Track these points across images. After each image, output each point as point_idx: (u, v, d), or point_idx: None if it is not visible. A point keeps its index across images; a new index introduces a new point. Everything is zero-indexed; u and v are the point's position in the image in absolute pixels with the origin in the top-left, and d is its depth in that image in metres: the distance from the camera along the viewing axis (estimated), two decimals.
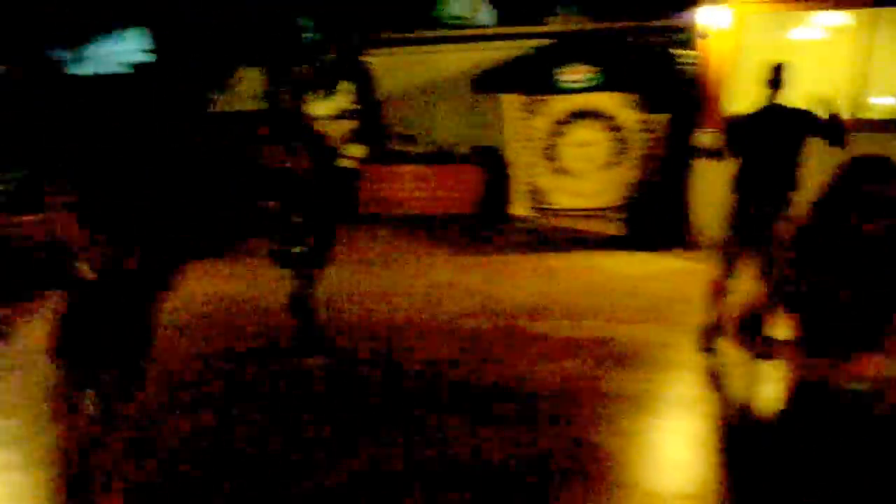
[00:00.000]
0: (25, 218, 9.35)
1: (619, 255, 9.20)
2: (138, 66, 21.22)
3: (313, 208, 5.49)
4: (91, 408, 2.85)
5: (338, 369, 5.57)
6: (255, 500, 3.69)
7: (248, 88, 19.61)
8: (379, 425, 4.55)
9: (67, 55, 20.27)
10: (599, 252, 9.48)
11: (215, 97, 17.61)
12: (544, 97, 11.38)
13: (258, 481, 3.85)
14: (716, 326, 5.56)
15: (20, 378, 5.66)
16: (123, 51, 26.06)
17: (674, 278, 8.03)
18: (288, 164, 5.50)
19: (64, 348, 2.84)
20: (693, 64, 9.51)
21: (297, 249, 5.50)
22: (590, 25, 13.17)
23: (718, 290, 5.64)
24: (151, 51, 17.05)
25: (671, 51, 10.23)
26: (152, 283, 2.95)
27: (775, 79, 5.58)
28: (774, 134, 5.51)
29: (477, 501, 3.65)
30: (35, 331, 7.11)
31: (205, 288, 7.56)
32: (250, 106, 19.45)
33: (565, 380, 5.18)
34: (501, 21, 18.74)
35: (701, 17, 9.40)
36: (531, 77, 11.57)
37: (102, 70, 26.15)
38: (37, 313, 7.84)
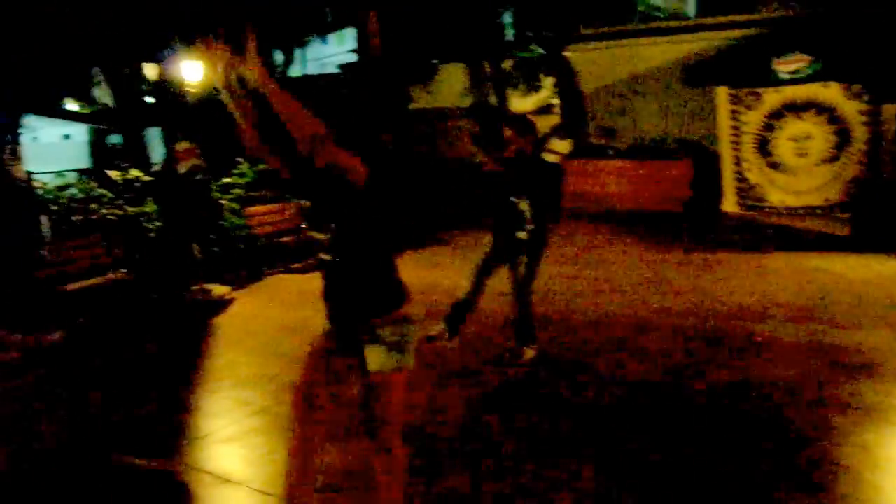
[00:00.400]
0: (260, 208, 10.30)
1: (842, 256, 8.74)
2: (345, 67, 22.45)
3: (536, 196, 5.59)
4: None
5: (550, 366, 5.73)
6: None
7: (449, 85, 20.24)
8: (606, 427, 4.66)
9: (281, 58, 21.80)
10: (819, 253, 9.05)
11: (416, 94, 18.29)
12: (758, 89, 10.98)
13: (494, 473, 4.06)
14: None
15: (262, 350, 6.32)
16: (332, 52, 27.67)
17: (889, 281, 7.55)
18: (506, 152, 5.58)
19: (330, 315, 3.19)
20: None
21: (522, 235, 5.59)
22: (812, 10, 12.53)
23: None
24: (356, 51, 17.91)
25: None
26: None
27: None
28: None
29: None
30: (265, 308, 7.94)
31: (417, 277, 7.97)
32: (452, 102, 20.09)
33: (796, 388, 5.05)
34: (703, 11, 18.21)
35: None
36: (744, 68, 11.21)
37: (312, 71, 27.86)
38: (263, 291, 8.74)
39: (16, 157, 8.56)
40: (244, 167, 10.06)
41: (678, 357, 5.81)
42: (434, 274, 8.55)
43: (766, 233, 10.49)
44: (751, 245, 9.81)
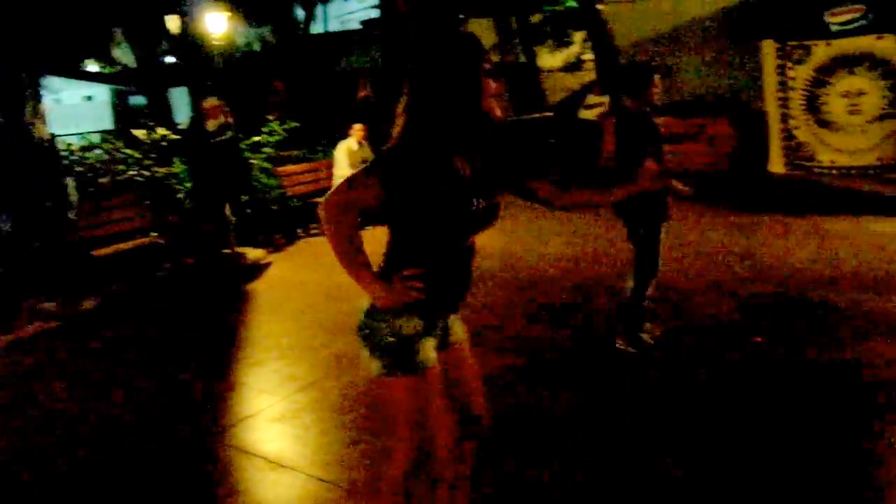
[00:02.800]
0: (292, 168, 9.98)
1: None
2: (367, 23, 21.96)
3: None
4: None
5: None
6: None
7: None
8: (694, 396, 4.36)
9: (303, 15, 21.33)
10: (876, 217, 8.59)
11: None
12: (808, 42, 10.45)
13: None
14: None
15: (303, 318, 6.04)
16: (355, 8, 27.12)
17: None
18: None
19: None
20: None
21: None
22: None
23: None
24: (381, 6, 17.38)
25: None
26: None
27: None
28: None
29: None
30: (303, 272, 7.66)
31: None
32: None
33: (876, 363, 4.70)
34: None
35: None
36: (792, 20, 10.67)
37: (334, 28, 27.36)
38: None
39: (38, 115, 8.27)
40: (274, 125, 9.71)
41: (747, 324, 5.48)
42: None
43: (817, 194, 10.04)
44: (803, 208, 9.38)
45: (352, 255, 2.37)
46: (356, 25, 23.60)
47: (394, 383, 2.41)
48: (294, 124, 9.81)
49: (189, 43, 15.40)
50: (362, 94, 14.55)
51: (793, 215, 9.01)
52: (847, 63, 10.19)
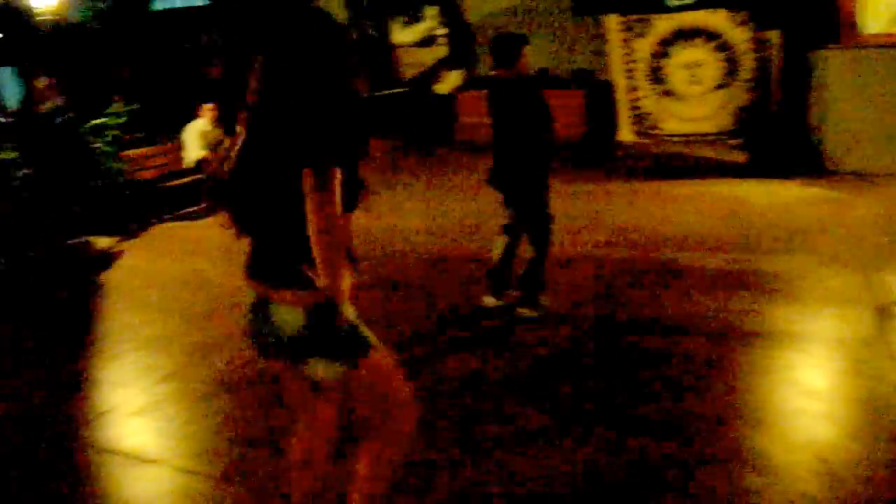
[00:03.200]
0: (140, 151, 9.49)
1: (744, 182, 8.80)
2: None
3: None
4: None
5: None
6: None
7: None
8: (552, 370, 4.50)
9: None
10: (721, 180, 9.09)
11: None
12: (648, 16, 10.89)
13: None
14: None
15: (160, 307, 5.79)
16: None
17: (811, 207, 7.65)
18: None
19: None
20: None
21: None
22: None
23: None
24: None
25: None
26: None
27: None
28: None
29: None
30: (158, 260, 7.33)
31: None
32: None
33: (721, 316, 5.03)
34: None
35: None
36: None
37: (176, 4, 26.16)
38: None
39: None
40: (118, 106, 9.18)
41: (601, 289, 5.71)
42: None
43: (665, 161, 10.54)
44: (653, 173, 9.83)
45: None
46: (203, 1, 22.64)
47: (369, 365, 2.33)
48: (136, 106, 9.30)
49: (13, 15, 14.30)
50: (214, 72, 14.01)
51: (645, 181, 9.41)
52: (685, 36, 10.68)
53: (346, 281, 2.19)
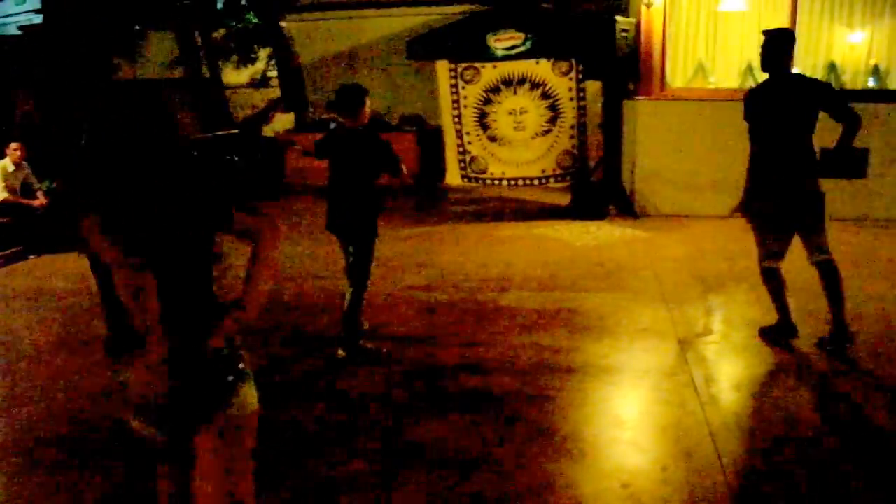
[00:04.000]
0: None
1: (564, 224, 9.20)
2: (27, 29, 19.93)
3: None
4: None
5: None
6: None
7: (157, 55, 18.71)
8: (358, 407, 4.39)
9: None
10: (544, 221, 9.46)
11: (119, 63, 16.66)
12: (476, 64, 11.21)
13: None
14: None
15: None
16: (14, 11, 24.57)
17: (625, 246, 8.08)
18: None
19: None
20: (629, 33, 9.50)
21: None
22: None
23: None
24: (43, 10, 15.90)
25: (608, 20, 10.18)
26: None
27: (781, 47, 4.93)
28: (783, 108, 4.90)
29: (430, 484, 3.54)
30: None
31: None
32: (161, 74, 18.59)
33: (538, 353, 5.12)
34: None
35: None
36: (463, 43, 11.37)
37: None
38: None
39: None
40: None
41: (421, 330, 5.68)
42: None
43: (491, 204, 10.80)
44: (479, 216, 10.03)
45: None
46: (14, 31, 21.37)
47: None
48: None
49: None
50: (23, 109, 13.15)
51: (470, 224, 9.60)
52: (511, 84, 11.06)
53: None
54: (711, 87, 9.69)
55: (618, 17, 9.26)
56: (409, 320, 5.94)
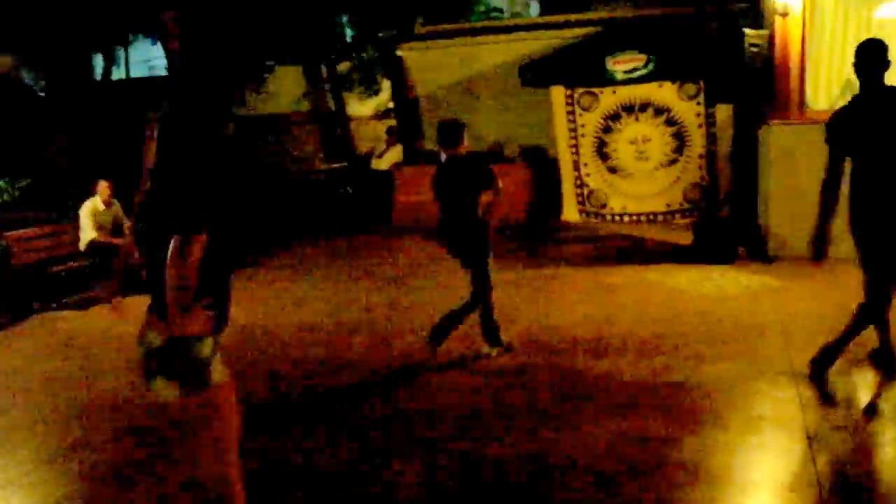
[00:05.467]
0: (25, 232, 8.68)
1: (688, 269, 8.10)
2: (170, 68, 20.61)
3: None
4: None
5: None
6: None
7: (285, 88, 18.87)
8: None
9: (101, 58, 19.76)
10: (665, 265, 8.39)
11: (248, 98, 16.86)
12: (594, 89, 10.32)
13: None
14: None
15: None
16: (158, 52, 25.65)
17: (752, 298, 6.93)
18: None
19: None
20: (761, 48, 8.33)
21: None
22: (645, 11, 12.11)
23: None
24: (181, 50, 16.28)
25: (736, 34, 9.02)
26: None
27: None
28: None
29: None
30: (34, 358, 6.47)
31: None
32: (288, 106, 18.73)
33: (621, 445, 4.16)
34: (542, 12, 17.73)
35: None
36: (580, 67, 10.55)
37: (137, 73, 25.71)
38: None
39: None
40: (1, 183, 8.41)
41: (486, 406, 4.84)
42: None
43: (609, 243, 9.84)
44: (593, 258, 9.09)
45: None
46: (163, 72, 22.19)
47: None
48: (28, 181, 8.53)
49: None
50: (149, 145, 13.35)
51: (583, 267, 8.68)
52: (632, 110, 10.11)
53: (197, 322, 2.86)
54: None
55: (747, 30, 8.11)
56: (472, 394, 5.08)
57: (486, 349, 5.76)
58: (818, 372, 4.82)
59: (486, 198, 5.59)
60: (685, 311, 6.70)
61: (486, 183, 5.56)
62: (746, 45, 7.99)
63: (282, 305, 7.87)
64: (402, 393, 5.19)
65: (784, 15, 8.20)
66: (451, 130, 5.76)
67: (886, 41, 4.78)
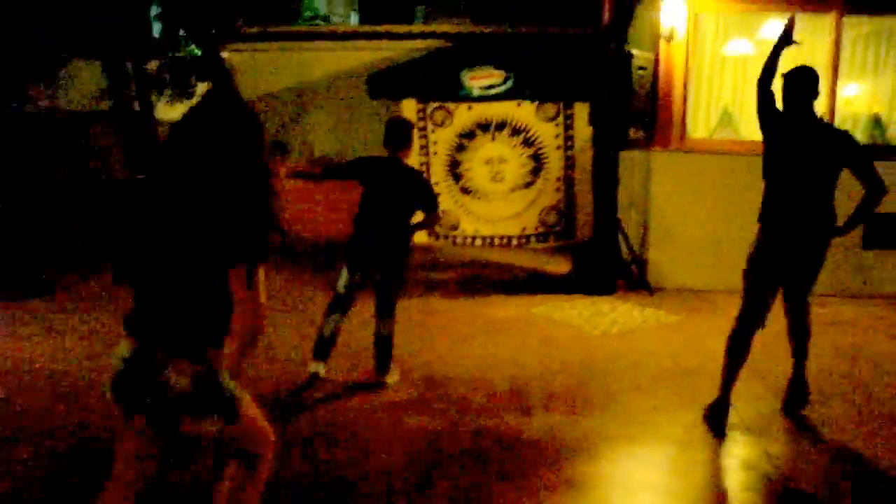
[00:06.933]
0: None
1: (568, 301, 7.53)
2: None
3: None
4: None
5: None
6: None
7: (81, 84, 16.89)
8: None
9: None
10: (542, 296, 7.79)
11: (41, 93, 14.87)
12: (448, 104, 9.67)
13: None
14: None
15: None
16: None
17: (656, 336, 6.44)
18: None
19: None
20: (645, 69, 7.99)
21: None
22: (500, 29, 11.72)
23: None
24: None
25: (626, 55, 8.63)
26: None
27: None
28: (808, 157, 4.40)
29: None
30: None
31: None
32: (85, 105, 16.72)
33: None
34: (361, 23, 17.08)
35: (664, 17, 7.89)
36: (433, 81, 9.86)
37: None
38: None
39: None
40: None
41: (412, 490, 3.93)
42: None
43: (477, 270, 9.13)
44: (466, 287, 8.35)
45: None
46: None
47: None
48: None
49: None
50: None
51: (446, 298, 7.88)
52: (488, 128, 9.55)
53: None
54: (740, 139, 8.15)
55: (635, 52, 7.71)
56: (396, 467, 4.04)
57: (383, 378, 5.26)
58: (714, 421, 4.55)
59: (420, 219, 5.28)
60: (593, 352, 6.05)
61: (426, 201, 5.23)
62: (634, 67, 7.60)
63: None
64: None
65: (669, 39, 7.92)
66: (400, 129, 5.30)
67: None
